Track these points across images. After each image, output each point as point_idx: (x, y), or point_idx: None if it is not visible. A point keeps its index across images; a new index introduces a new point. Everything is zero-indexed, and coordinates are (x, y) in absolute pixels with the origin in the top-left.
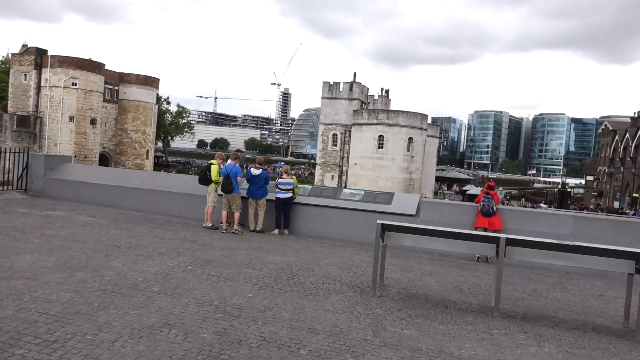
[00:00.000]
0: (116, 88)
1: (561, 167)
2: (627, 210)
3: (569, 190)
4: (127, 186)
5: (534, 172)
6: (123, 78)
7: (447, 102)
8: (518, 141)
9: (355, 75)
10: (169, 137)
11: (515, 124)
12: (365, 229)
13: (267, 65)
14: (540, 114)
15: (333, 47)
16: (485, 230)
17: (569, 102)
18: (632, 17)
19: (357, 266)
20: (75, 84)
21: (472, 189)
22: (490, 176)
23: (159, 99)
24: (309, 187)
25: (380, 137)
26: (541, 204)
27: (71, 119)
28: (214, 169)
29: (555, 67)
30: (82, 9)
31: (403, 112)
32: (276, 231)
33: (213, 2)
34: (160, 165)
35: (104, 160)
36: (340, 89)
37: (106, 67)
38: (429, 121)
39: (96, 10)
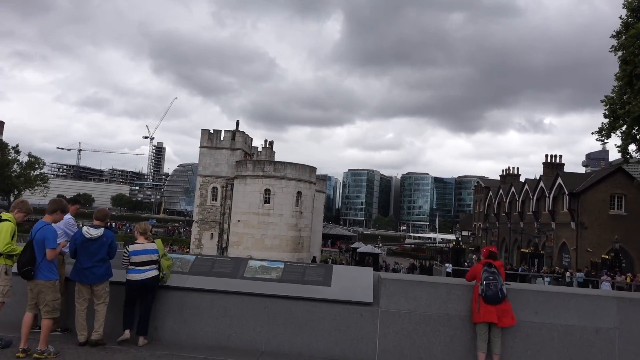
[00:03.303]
0: None
1: (435, 223)
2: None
3: (463, 247)
4: None
5: (405, 227)
6: None
7: (322, 161)
8: (388, 198)
9: (238, 123)
10: (16, 192)
11: (386, 182)
12: (289, 330)
13: (140, 119)
14: (407, 173)
15: (209, 105)
16: (492, 327)
17: (430, 163)
18: (475, 92)
19: None
20: None
21: (362, 247)
22: (364, 232)
23: (4, 145)
24: (191, 258)
25: (267, 191)
26: (446, 264)
27: None
28: (5, 229)
29: (415, 131)
30: None
31: (291, 164)
32: (127, 333)
33: (78, 52)
34: None
35: None
36: (222, 138)
37: None
38: None
39: None
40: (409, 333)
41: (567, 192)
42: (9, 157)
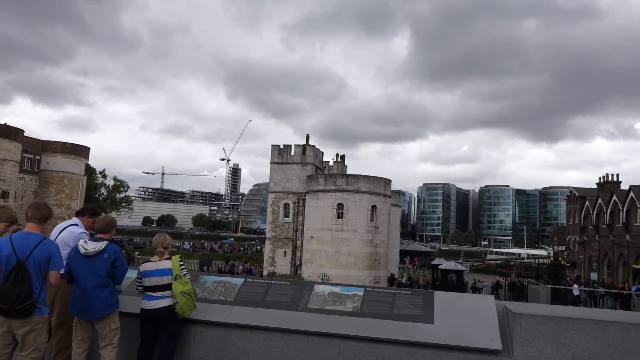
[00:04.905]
0: (37, 157)
1: (522, 237)
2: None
3: (563, 263)
4: None
5: (486, 243)
6: (46, 147)
7: (395, 176)
8: (466, 213)
9: (308, 137)
10: (104, 214)
11: (463, 196)
12: None
13: (217, 143)
14: (486, 186)
15: (282, 127)
16: None
17: (509, 175)
18: (555, 99)
19: None
20: None
21: (445, 263)
22: (442, 248)
23: (92, 170)
24: (238, 281)
25: (340, 206)
26: (574, 285)
27: None
28: None
29: (492, 143)
30: (30, 89)
31: (364, 176)
32: None
33: (161, 84)
34: None
35: None
36: (292, 153)
37: (26, 134)
38: None
39: (45, 91)
40: None
41: None
42: (96, 181)
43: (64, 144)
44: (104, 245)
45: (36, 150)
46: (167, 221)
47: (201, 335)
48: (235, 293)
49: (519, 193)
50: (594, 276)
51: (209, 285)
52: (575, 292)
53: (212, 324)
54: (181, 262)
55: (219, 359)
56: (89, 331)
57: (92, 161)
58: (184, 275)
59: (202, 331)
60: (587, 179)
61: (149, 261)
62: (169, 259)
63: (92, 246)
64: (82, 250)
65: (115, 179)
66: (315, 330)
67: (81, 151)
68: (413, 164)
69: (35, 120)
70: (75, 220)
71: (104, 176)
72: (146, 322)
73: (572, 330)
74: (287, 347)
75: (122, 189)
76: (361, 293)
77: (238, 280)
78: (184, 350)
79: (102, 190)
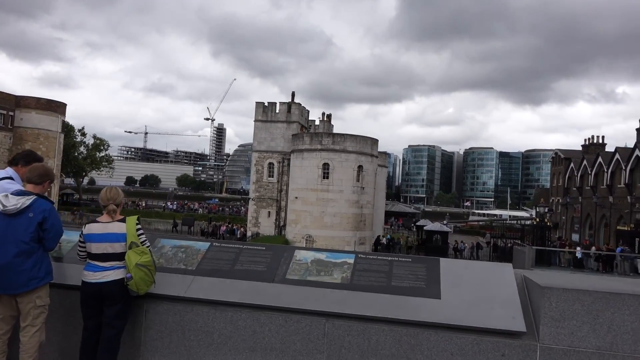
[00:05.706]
0: (11, 113)
1: (506, 198)
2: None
3: (549, 224)
4: None
5: (469, 204)
6: (20, 102)
7: (381, 138)
8: (451, 175)
9: (293, 95)
10: (84, 173)
11: (448, 158)
12: None
13: (202, 102)
14: (471, 148)
15: (267, 86)
16: None
17: (493, 137)
18: (540, 62)
19: None
20: None
21: (430, 225)
22: (426, 209)
23: (70, 128)
24: (202, 246)
25: (325, 166)
26: (577, 248)
27: None
28: None
29: (477, 105)
30: (5, 44)
31: (351, 135)
32: None
33: (143, 41)
34: (70, 203)
35: None
36: (277, 111)
37: None
38: None
39: (21, 45)
40: None
41: None
42: (75, 140)
43: (38, 99)
44: (29, 201)
45: (9, 106)
46: (150, 181)
47: (154, 312)
48: (198, 261)
49: (503, 155)
50: (575, 237)
51: (167, 251)
52: (579, 255)
53: (168, 299)
54: (138, 226)
55: (175, 341)
56: (13, 308)
57: (73, 120)
58: (142, 242)
59: (155, 307)
60: (569, 142)
61: (96, 221)
62: (123, 220)
63: (14, 202)
64: (0, 207)
65: (95, 137)
66: (295, 307)
67: (57, 107)
68: (399, 126)
69: (13, 76)
70: (9, 171)
71: (83, 134)
72: (90, 297)
73: (613, 307)
74: (260, 327)
75: (102, 147)
76: (352, 261)
77: (202, 245)
78: (134, 330)
79: (82, 149)
